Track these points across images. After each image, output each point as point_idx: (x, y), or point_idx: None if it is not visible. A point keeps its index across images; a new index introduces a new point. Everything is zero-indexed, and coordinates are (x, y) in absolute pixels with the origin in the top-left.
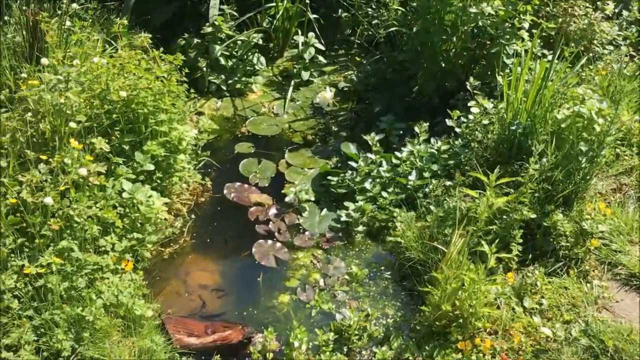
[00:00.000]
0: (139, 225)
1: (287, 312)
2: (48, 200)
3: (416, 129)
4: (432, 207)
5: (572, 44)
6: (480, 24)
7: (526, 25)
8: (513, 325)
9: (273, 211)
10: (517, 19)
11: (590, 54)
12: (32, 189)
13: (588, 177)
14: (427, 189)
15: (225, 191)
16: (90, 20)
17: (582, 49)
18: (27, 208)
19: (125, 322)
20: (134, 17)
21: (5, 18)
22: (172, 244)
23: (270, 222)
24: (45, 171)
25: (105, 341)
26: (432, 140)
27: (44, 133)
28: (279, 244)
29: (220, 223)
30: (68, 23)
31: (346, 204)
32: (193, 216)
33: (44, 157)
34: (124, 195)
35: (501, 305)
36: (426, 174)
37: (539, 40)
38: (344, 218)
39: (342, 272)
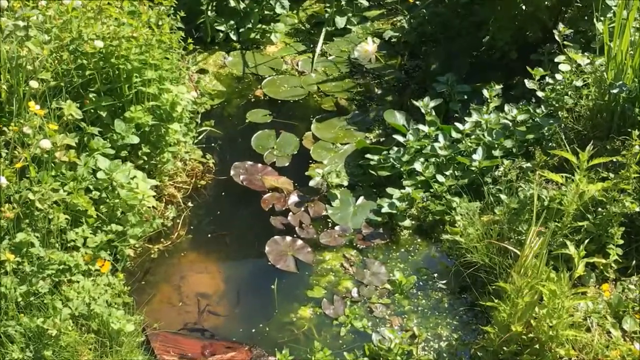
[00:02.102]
0: (118, 214)
1: (308, 329)
2: (1, 180)
3: (485, 92)
4: (502, 196)
5: None
6: None
7: None
8: (608, 354)
9: (294, 199)
10: None
11: None
12: None
13: None
14: (497, 172)
15: (232, 172)
16: None
17: None
18: None
19: (100, 339)
20: None
21: None
22: (162, 240)
23: (290, 213)
24: None
25: None
26: (506, 107)
27: None
28: (300, 242)
29: (225, 213)
30: None
31: (389, 190)
32: (190, 204)
33: None
34: (100, 175)
35: (592, 327)
36: (496, 153)
37: None
38: (386, 209)
39: (381, 280)
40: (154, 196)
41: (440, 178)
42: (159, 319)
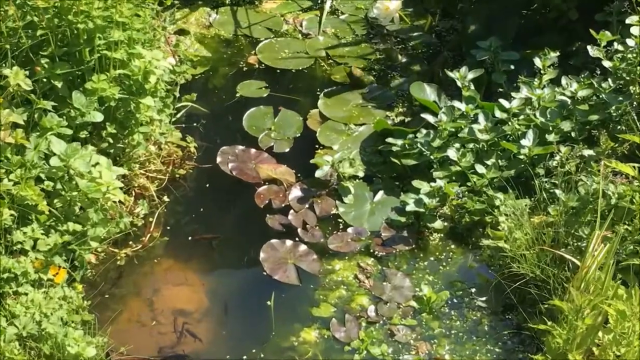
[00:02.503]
0: (77, 210)
1: (313, 357)
2: None
3: (537, 61)
4: (558, 192)
5: None
6: None
7: None
8: None
9: (296, 193)
10: None
11: None
12: None
13: None
14: (551, 162)
15: (219, 159)
16: None
17: None
18: None
19: None
20: None
21: None
22: (131, 243)
23: (291, 212)
24: None
25: None
26: (564, 80)
27: None
28: (303, 248)
29: (209, 211)
30: None
31: (416, 183)
32: (166, 199)
33: None
34: (54, 162)
35: None
36: (551, 137)
37: None
38: (411, 207)
39: (405, 296)
40: (121, 188)
41: (479, 169)
42: (126, 342)
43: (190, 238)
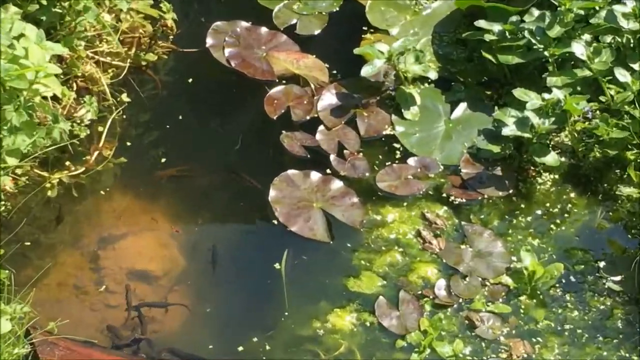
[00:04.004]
0: None
1: (346, 354)
2: None
3: None
4: None
5: None
6: None
7: None
8: None
9: (329, 100)
10: None
11: None
12: None
13: None
14: None
15: (210, 41)
16: None
17: None
18: None
19: None
20: None
21: None
22: (69, 164)
23: (321, 129)
24: None
25: None
26: None
27: None
28: (337, 185)
29: (191, 120)
30: None
31: (519, 93)
32: (126, 98)
33: None
34: None
35: None
36: None
37: None
38: (510, 130)
39: (495, 267)
40: (57, 76)
41: (621, 75)
42: (56, 315)
43: (161, 161)
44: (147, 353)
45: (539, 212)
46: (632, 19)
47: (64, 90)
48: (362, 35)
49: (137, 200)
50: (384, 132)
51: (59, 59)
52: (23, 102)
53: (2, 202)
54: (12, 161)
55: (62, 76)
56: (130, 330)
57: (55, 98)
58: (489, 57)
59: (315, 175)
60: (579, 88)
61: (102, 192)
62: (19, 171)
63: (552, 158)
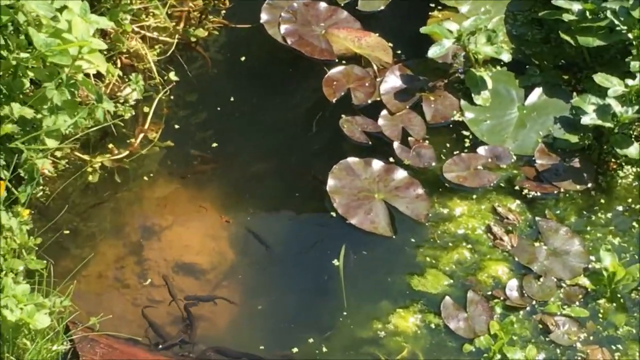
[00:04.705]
0: (26, 84)
1: (411, 357)
2: None
3: None
4: None
5: None
6: None
7: None
8: None
9: (393, 83)
10: None
11: None
12: None
13: None
14: None
15: (265, 16)
16: None
17: None
18: None
19: None
20: None
21: None
22: (112, 147)
23: (384, 113)
24: None
25: None
26: None
27: None
28: (401, 174)
29: (244, 102)
30: None
31: (600, 79)
32: (174, 77)
33: None
34: None
35: None
36: None
37: None
38: (590, 119)
39: (572, 267)
40: (102, 52)
41: None
42: (97, 311)
43: (212, 146)
44: (193, 352)
45: (620, 208)
46: None
47: (108, 67)
48: (430, 13)
49: (184, 188)
50: (452, 119)
51: (102, 33)
52: (65, 79)
53: (41, 187)
54: (51, 143)
55: (105, 52)
56: (176, 327)
57: (98, 76)
58: (567, 38)
59: (377, 164)
60: None
61: (146, 178)
62: (58, 154)
63: (635, 150)
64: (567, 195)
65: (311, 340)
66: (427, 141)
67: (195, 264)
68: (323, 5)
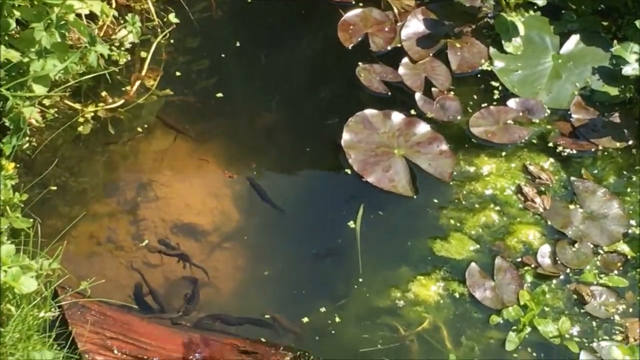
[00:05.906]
0: (12, 24)
1: (431, 330)
2: None
3: None
4: None
5: None
6: None
7: None
8: None
9: (415, 27)
10: None
11: None
12: None
13: None
14: None
15: None
16: None
17: None
18: None
19: None
20: None
21: None
22: (106, 94)
23: (405, 61)
24: None
25: None
26: None
27: None
28: (424, 128)
29: (252, 49)
30: None
31: None
32: (174, 19)
33: None
34: None
35: None
36: None
37: None
38: (631, 69)
39: (610, 233)
40: None
41: None
42: (88, 274)
43: (216, 96)
44: (192, 320)
45: None
46: None
47: (102, 7)
48: None
49: (183, 140)
50: (480, 68)
51: None
52: (55, 19)
53: (27, 139)
54: (39, 89)
55: None
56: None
57: (91, 17)
58: None
59: (397, 117)
60: None
61: (142, 129)
62: (47, 102)
63: None
64: (606, 153)
65: (323, 309)
66: (452, 92)
67: (196, 224)
68: None
